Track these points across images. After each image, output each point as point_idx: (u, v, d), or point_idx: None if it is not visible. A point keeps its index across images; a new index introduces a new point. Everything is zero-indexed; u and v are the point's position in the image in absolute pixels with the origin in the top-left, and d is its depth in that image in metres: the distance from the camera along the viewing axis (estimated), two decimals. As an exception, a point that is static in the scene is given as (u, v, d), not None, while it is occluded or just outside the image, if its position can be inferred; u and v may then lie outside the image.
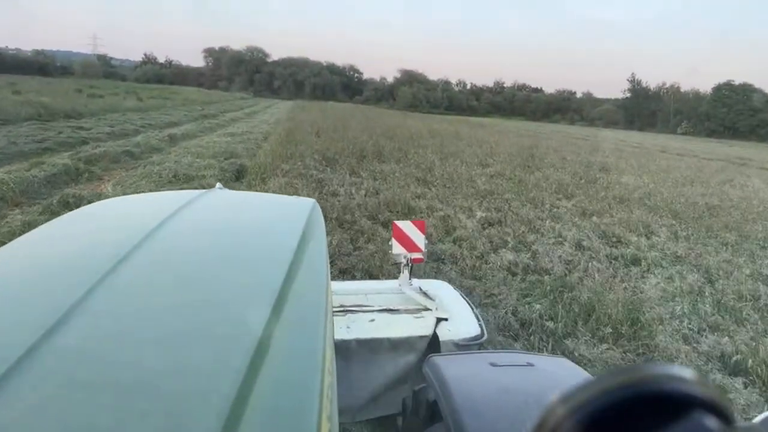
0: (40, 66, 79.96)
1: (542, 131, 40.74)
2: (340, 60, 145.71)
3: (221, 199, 1.30)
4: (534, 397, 1.34)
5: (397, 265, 2.64)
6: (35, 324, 0.57)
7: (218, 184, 1.50)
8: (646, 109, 71.83)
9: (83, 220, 1.14)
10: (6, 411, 0.45)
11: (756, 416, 0.71)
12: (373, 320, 2.22)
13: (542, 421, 0.31)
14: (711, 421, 0.29)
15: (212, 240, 0.97)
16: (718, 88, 65.95)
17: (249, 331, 0.60)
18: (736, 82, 64.98)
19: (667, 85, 74.80)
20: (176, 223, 0.98)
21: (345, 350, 2.02)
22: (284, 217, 1.21)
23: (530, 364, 1.63)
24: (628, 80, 77.71)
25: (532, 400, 1.32)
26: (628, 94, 77.22)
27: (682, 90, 72.73)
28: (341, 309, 2.25)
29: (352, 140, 17.10)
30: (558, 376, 1.61)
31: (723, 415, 0.30)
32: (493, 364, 1.60)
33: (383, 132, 21.90)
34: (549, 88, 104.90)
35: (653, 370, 0.31)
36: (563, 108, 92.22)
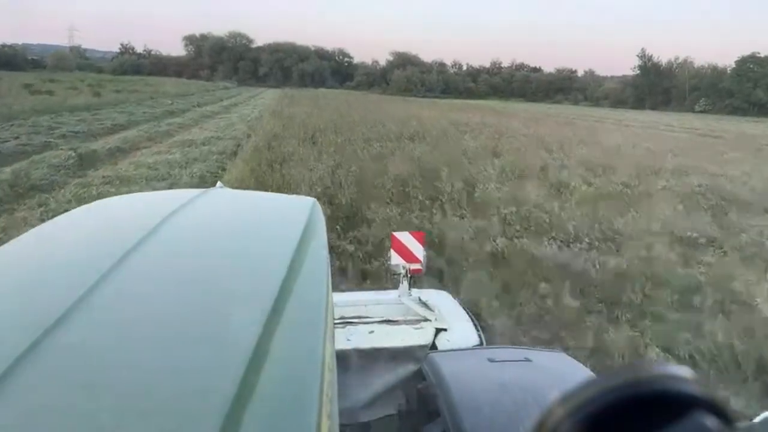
0: (7, 59, 72.81)
1: (569, 115, 34.83)
2: (329, 44, 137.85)
3: (221, 198, 1.27)
4: (532, 392, 1.34)
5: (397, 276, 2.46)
6: (35, 323, 0.56)
7: (219, 183, 1.46)
8: (658, 86, 65.76)
9: (83, 219, 1.12)
10: (5, 411, 0.44)
11: (756, 416, 0.65)
12: (372, 331, 2.12)
13: (542, 422, 0.31)
14: (711, 421, 0.29)
15: (212, 240, 0.96)
16: (742, 62, 59.54)
17: (249, 329, 0.59)
18: (762, 55, 59.20)
19: (680, 60, 68.72)
20: (176, 222, 0.96)
21: (344, 361, 1.93)
22: (285, 216, 1.18)
23: (528, 360, 1.61)
24: (637, 56, 71.01)
25: (529, 396, 1.31)
26: (637, 71, 71.04)
27: (696, 65, 66.90)
28: (341, 320, 2.15)
29: (366, 149, 11.24)
30: (555, 371, 1.59)
31: (723, 415, 0.30)
32: (490, 360, 1.59)
33: (400, 129, 16.00)
34: (548, 67, 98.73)
35: (653, 370, 0.30)
36: (565, 88, 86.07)
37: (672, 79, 65.95)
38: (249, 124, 18.08)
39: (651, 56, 69.80)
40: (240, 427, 0.44)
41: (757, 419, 0.61)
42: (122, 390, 0.49)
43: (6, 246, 0.91)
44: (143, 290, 0.71)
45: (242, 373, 0.50)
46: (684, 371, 0.31)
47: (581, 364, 1.65)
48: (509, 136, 16.04)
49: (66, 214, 1.15)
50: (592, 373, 1.58)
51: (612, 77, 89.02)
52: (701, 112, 57.13)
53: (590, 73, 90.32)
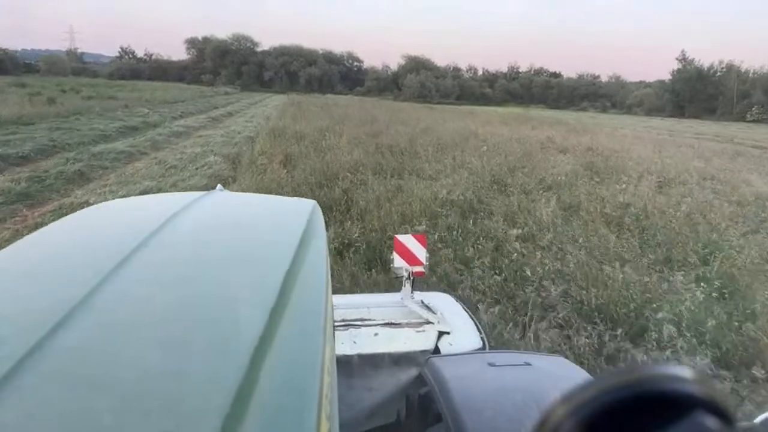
0: (-4, 63, 66.47)
1: (647, 128, 27.62)
2: (338, 47, 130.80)
3: (222, 200, 1.26)
4: (532, 396, 1.33)
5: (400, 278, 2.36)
6: (37, 324, 0.57)
7: (219, 186, 1.47)
8: (702, 92, 58.39)
9: (85, 222, 1.11)
10: (7, 410, 0.45)
11: (756, 416, 0.65)
12: (376, 334, 2.04)
13: (543, 422, 0.30)
14: (711, 422, 0.28)
15: (212, 242, 0.95)
16: (807, 65, 51.95)
17: (248, 331, 0.59)
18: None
19: (723, 65, 61.18)
20: (177, 225, 0.96)
21: (346, 364, 1.90)
22: (285, 218, 1.16)
23: (528, 364, 1.60)
24: (677, 59, 63.67)
25: (530, 400, 1.31)
26: (677, 76, 63.29)
27: (742, 69, 59.17)
28: (343, 323, 2.07)
29: (502, 244, 4.14)
30: (556, 375, 1.57)
31: (723, 415, 0.29)
32: (491, 364, 1.58)
33: (486, 165, 8.93)
34: (568, 72, 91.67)
35: (653, 370, 0.30)
36: (590, 94, 78.90)
37: (718, 86, 58.42)
38: (231, 154, 11.01)
39: (692, 59, 62.33)
40: (240, 427, 0.44)
41: (757, 419, 0.60)
42: (122, 392, 0.48)
43: (9, 248, 0.90)
44: (144, 292, 0.70)
45: (242, 376, 0.50)
46: (684, 371, 0.30)
47: (581, 368, 1.63)
48: (687, 183, 8.90)
49: (68, 217, 1.12)
50: (591, 377, 1.47)
51: (638, 82, 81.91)
52: (754, 121, 49.82)
53: (616, 78, 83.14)
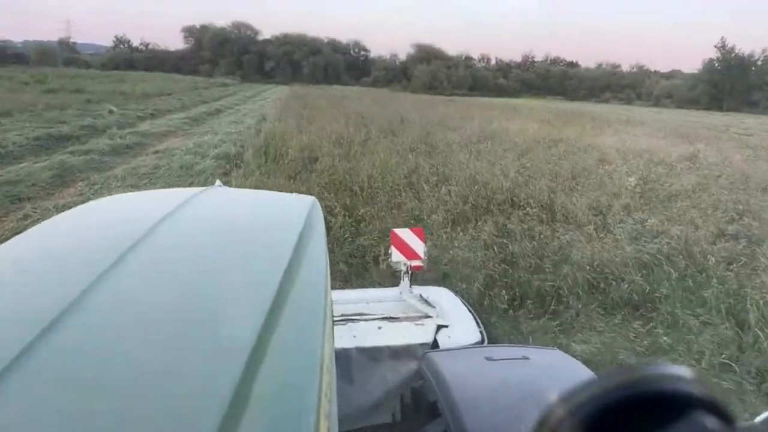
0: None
1: (737, 126, 22.12)
2: (343, 35, 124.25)
3: (220, 196, 1.24)
4: (530, 390, 1.32)
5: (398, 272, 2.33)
6: (32, 322, 0.55)
7: (218, 182, 1.44)
8: (742, 84, 52.54)
9: (82, 218, 1.09)
10: (2, 411, 0.44)
11: (757, 416, 0.65)
12: (377, 328, 2.06)
13: (542, 421, 0.30)
14: (711, 421, 0.28)
15: (211, 238, 0.93)
16: None
17: (247, 329, 0.57)
18: None
19: (766, 52, 54.36)
20: (175, 220, 0.94)
21: (346, 358, 1.90)
22: (284, 214, 1.15)
23: (525, 358, 1.58)
24: (716, 47, 56.83)
25: (528, 394, 1.29)
26: (701, 66, 57.38)
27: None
28: (342, 318, 2.08)
29: None
30: (553, 369, 1.56)
31: (723, 415, 0.29)
32: (488, 359, 1.56)
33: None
34: (585, 62, 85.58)
35: (654, 370, 0.30)
36: (613, 84, 72.86)
37: (762, 76, 52.38)
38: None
39: (733, 48, 56.08)
40: (238, 427, 0.43)
41: (757, 419, 0.61)
42: (119, 390, 0.47)
43: (4, 244, 0.88)
44: (141, 289, 0.69)
45: (240, 373, 0.49)
46: (684, 371, 0.30)
47: (578, 362, 1.60)
48: None
49: (64, 213, 1.09)
50: (588, 370, 1.54)
51: (653, 72, 75.86)
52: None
53: (640, 68, 76.93)
